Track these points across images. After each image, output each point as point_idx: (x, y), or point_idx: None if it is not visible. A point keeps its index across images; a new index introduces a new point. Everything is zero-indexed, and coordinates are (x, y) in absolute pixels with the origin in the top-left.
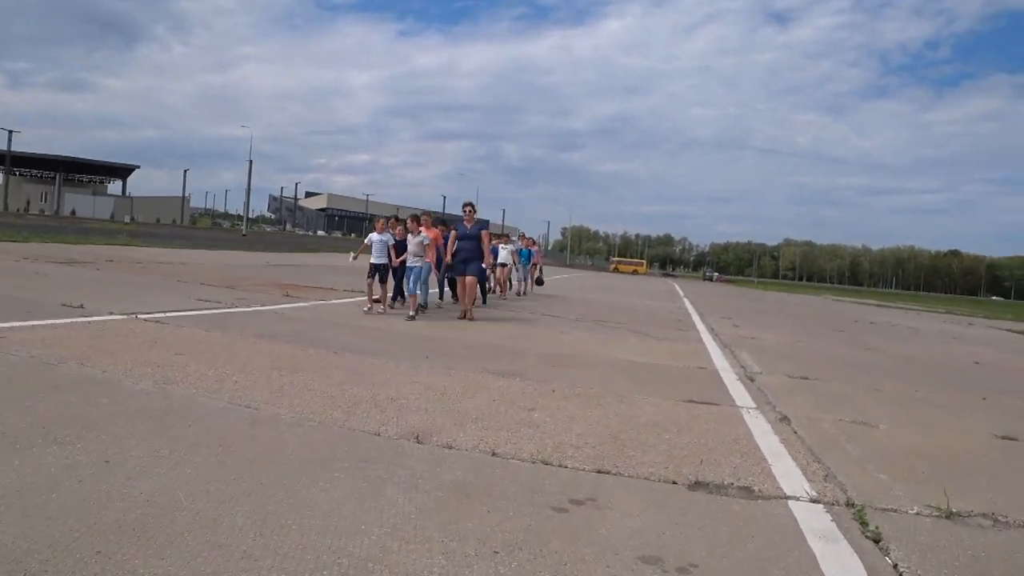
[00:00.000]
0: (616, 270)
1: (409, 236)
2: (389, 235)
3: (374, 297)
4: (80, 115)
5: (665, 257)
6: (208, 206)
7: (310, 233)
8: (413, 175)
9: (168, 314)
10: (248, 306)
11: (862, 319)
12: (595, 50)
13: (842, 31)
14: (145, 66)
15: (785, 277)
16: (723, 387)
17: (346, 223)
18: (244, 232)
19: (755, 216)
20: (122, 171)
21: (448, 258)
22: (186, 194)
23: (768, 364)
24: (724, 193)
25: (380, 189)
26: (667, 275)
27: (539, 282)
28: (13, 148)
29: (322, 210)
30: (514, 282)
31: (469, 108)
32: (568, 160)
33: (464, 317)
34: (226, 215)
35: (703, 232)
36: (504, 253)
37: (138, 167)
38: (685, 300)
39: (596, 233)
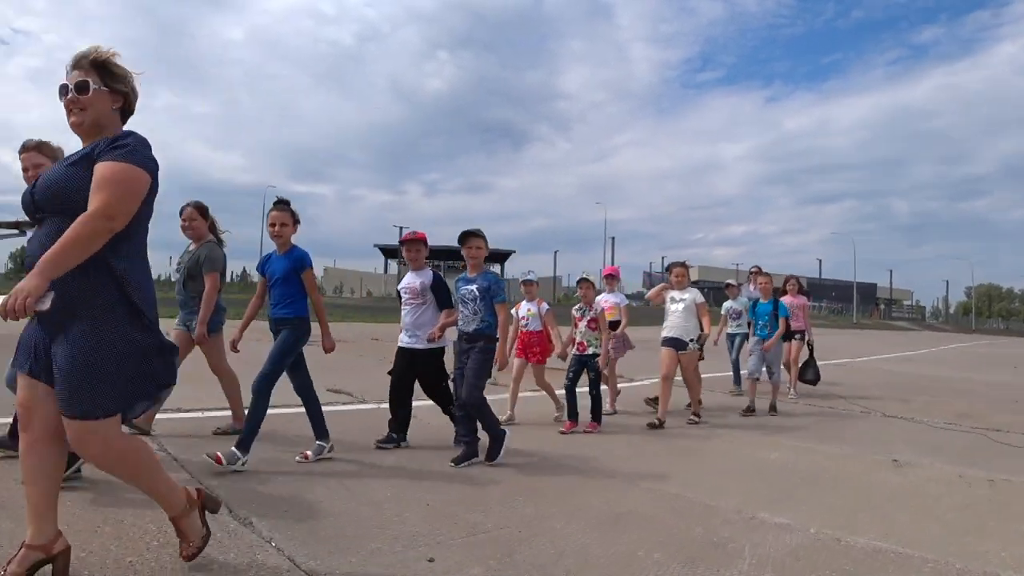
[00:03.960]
0: None
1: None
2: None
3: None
4: (481, 213)
5: None
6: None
7: None
8: (792, 242)
9: None
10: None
11: None
12: (988, 81)
13: None
14: (533, 164)
15: None
16: None
17: (711, 294)
18: None
19: None
20: (500, 256)
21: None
22: (557, 275)
23: None
24: None
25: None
26: None
27: (808, 378)
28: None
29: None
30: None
31: (848, 166)
32: (968, 210)
33: None
34: None
35: None
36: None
37: (514, 252)
38: None
39: (1011, 291)
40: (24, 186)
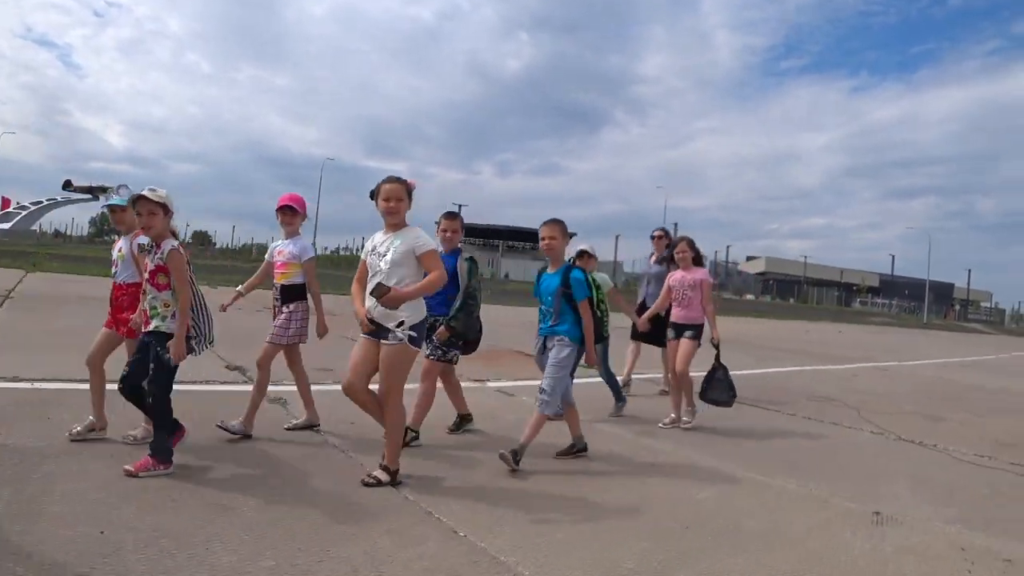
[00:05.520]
0: None
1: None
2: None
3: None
4: (554, 195)
5: None
6: None
7: (736, 297)
8: (872, 238)
9: None
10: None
11: None
12: None
13: None
14: (608, 148)
15: None
16: None
17: (774, 286)
18: None
19: None
20: None
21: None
22: (618, 259)
23: None
24: None
25: (835, 253)
26: None
27: (717, 398)
28: (469, 221)
29: (760, 274)
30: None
31: (935, 160)
32: None
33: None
34: None
35: None
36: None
37: (575, 234)
38: None
39: None
40: None
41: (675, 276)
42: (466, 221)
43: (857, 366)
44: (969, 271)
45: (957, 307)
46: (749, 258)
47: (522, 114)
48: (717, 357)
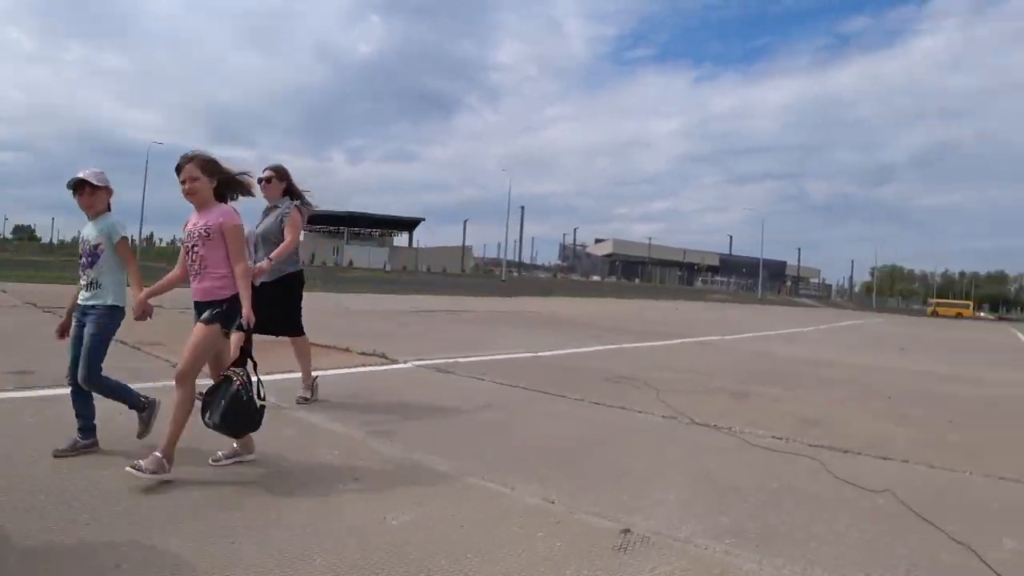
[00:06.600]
0: (935, 314)
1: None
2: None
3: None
4: (409, 182)
5: (998, 297)
6: (511, 256)
7: (582, 279)
8: (713, 220)
9: None
10: None
11: None
12: (906, 74)
13: None
14: (463, 134)
15: None
16: None
17: (619, 267)
18: (503, 279)
19: None
20: (409, 224)
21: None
22: (467, 244)
23: None
24: None
25: (679, 236)
26: (1002, 318)
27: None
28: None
29: (608, 256)
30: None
31: (771, 148)
32: (880, 196)
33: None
34: (520, 264)
35: None
36: None
37: (423, 220)
38: None
39: (911, 273)
40: None
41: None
42: (316, 210)
43: (679, 342)
44: (799, 249)
45: (789, 283)
46: (598, 240)
47: (374, 99)
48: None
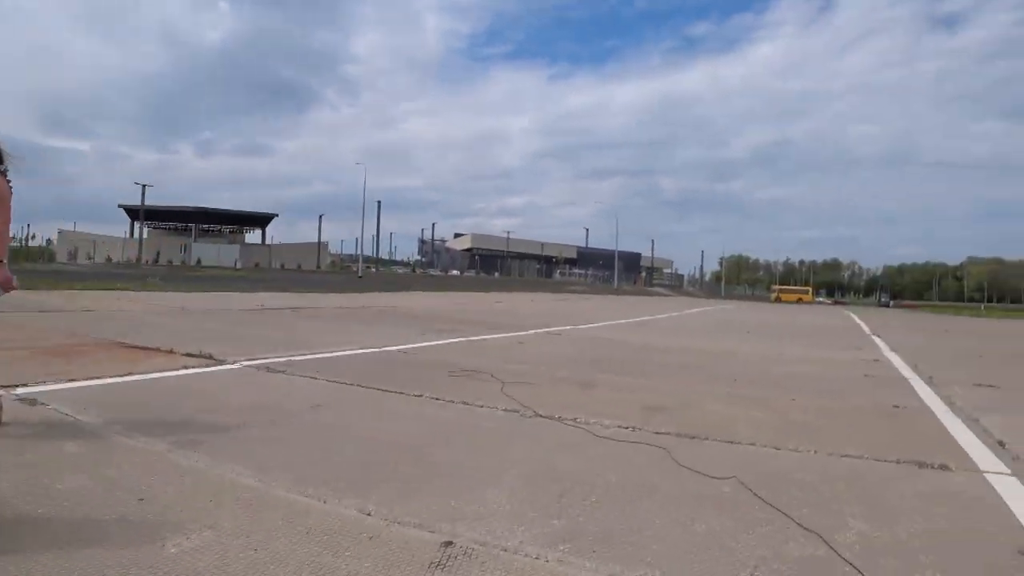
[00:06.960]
0: (779, 300)
1: None
2: None
3: None
4: (262, 176)
5: (833, 283)
6: (369, 252)
7: (441, 273)
8: (569, 214)
9: None
10: None
11: None
12: (747, 77)
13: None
14: (318, 127)
15: (971, 299)
16: None
17: (479, 261)
18: (360, 275)
19: (931, 235)
20: (261, 220)
21: None
22: (324, 240)
23: None
24: (895, 213)
25: (537, 230)
26: (838, 302)
27: None
28: (157, 203)
29: (467, 250)
30: None
31: (623, 145)
32: (725, 190)
33: None
34: (379, 260)
35: (874, 255)
36: None
37: (276, 215)
38: (879, 343)
39: (756, 262)
40: None
41: None
42: (158, 205)
43: (531, 332)
44: (653, 241)
45: (644, 274)
46: (457, 235)
47: (224, 90)
48: None
